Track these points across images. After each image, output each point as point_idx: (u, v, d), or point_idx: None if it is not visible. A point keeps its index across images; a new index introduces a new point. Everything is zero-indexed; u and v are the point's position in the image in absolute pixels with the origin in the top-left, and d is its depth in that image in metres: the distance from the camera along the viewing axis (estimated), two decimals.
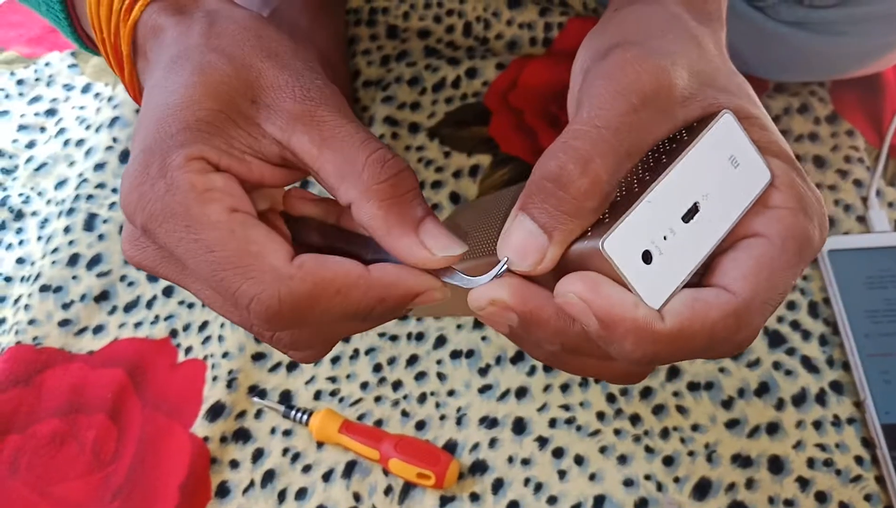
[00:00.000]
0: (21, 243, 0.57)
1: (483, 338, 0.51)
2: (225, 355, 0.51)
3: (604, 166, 0.25)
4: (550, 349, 0.28)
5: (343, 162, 0.27)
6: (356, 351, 0.51)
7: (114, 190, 0.58)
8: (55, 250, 0.56)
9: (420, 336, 0.51)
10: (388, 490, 0.46)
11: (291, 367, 0.51)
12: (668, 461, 0.46)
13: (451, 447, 0.48)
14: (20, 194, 0.60)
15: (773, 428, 0.47)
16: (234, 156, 0.28)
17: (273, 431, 0.49)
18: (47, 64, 0.67)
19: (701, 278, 0.27)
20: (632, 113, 0.26)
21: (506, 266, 0.26)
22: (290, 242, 0.28)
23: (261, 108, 0.28)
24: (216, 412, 0.49)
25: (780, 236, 0.27)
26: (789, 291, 0.28)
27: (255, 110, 0.28)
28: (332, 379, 0.50)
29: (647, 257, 0.25)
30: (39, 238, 0.57)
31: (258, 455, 0.48)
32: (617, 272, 0.25)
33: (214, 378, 0.50)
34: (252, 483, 0.47)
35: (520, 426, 0.48)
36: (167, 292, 0.54)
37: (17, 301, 0.54)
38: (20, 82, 0.66)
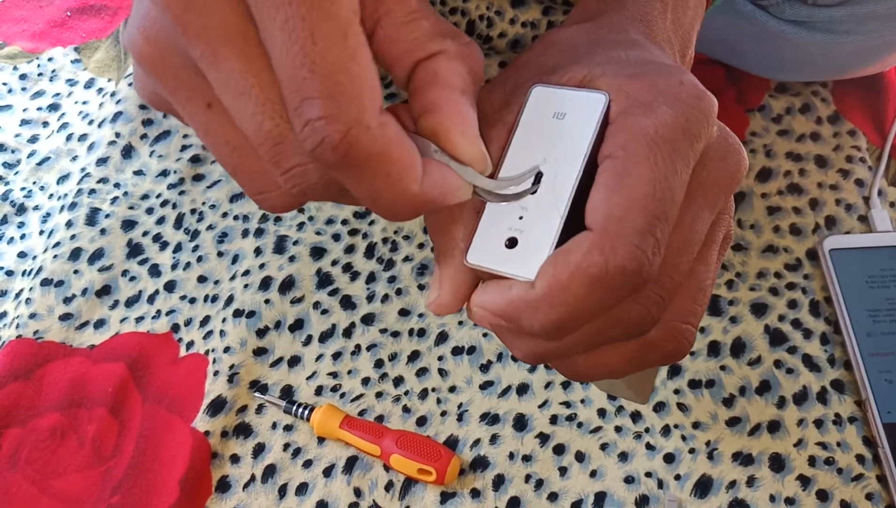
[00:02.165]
0: (23, 237, 0.57)
1: (484, 335, 0.51)
2: (226, 350, 0.51)
3: None
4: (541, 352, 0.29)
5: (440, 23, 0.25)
6: (357, 347, 0.51)
7: (116, 185, 0.58)
8: (57, 245, 0.56)
9: (422, 333, 0.51)
10: (388, 486, 0.46)
11: (293, 362, 0.51)
12: (669, 458, 0.46)
13: (452, 443, 0.48)
14: (22, 189, 0.60)
15: (774, 426, 0.47)
16: None
17: (274, 426, 0.49)
18: (50, 59, 0.67)
19: None
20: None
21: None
22: None
23: None
24: (217, 406, 0.49)
25: (622, 146, 0.25)
26: (679, 186, 0.25)
27: None
28: (334, 375, 0.50)
29: (511, 243, 0.26)
30: (41, 232, 0.57)
31: (259, 450, 0.48)
32: (491, 272, 0.27)
33: (216, 373, 0.50)
34: (253, 478, 0.47)
35: (521, 423, 0.48)
36: (169, 287, 0.54)
37: (18, 295, 0.54)
38: (23, 77, 0.66)
